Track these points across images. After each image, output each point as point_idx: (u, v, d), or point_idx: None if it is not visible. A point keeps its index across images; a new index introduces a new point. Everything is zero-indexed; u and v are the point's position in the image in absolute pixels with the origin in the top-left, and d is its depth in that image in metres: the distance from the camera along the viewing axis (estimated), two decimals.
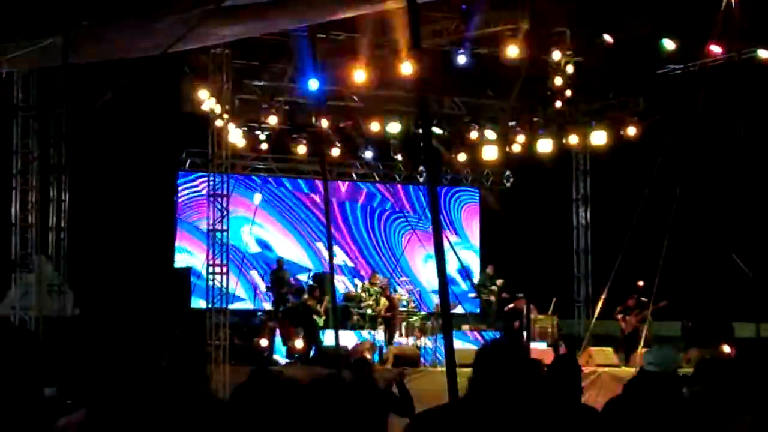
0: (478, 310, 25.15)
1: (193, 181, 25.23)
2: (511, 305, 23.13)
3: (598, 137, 24.55)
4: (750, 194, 14.10)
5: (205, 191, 20.81)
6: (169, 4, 10.41)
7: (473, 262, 28.53)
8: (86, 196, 21.03)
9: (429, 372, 20.19)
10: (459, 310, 22.12)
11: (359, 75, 20.73)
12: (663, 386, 6.36)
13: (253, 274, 25.89)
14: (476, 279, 26.52)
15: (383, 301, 23.41)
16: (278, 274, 23.96)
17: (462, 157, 26.23)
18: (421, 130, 15.55)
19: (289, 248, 26.64)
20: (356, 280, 26.07)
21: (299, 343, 21.79)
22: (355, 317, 23.53)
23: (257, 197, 25.93)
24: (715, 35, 16.30)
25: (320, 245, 26.53)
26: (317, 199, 26.28)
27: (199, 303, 20.82)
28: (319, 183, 25.10)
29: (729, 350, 20.37)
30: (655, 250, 17.73)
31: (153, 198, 23.49)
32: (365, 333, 22.66)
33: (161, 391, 4.52)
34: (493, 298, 24.60)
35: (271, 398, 4.74)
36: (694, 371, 6.85)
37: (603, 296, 20.30)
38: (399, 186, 28.06)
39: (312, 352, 21.68)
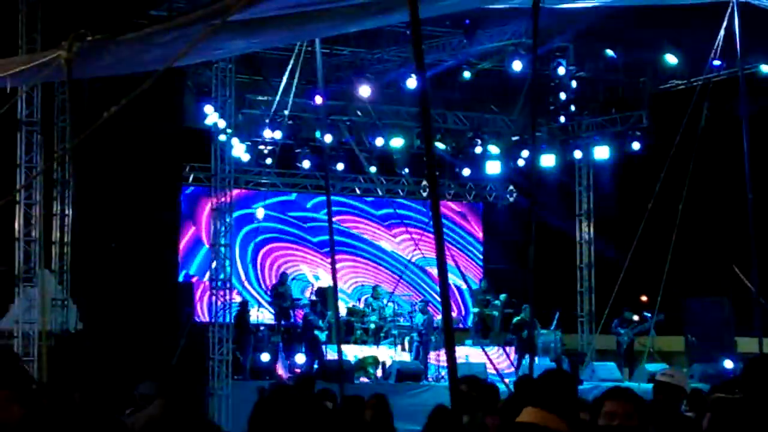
0: (480, 325, 25.03)
1: (196, 195, 25.22)
2: (519, 317, 23.03)
3: (602, 152, 24.57)
4: (753, 208, 14.09)
5: (208, 206, 20.78)
6: (174, 19, 10.43)
7: (476, 277, 28.46)
8: (89, 210, 21.02)
9: (432, 387, 20.25)
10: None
11: (363, 90, 20.78)
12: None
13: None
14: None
15: (420, 316, 23.22)
16: (281, 288, 23.89)
17: (465, 171, 26.22)
18: (424, 145, 15.58)
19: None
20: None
21: (301, 358, 21.75)
22: (359, 331, 23.47)
23: (260, 212, 25.88)
24: (718, 51, 16.30)
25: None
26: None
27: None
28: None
29: (732, 365, 20.35)
30: (658, 265, 17.71)
31: (156, 212, 23.44)
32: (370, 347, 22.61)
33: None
34: (496, 312, 24.55)
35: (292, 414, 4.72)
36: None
37: (606, 311, 20.26)
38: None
39: (315, 367, 21.63)
